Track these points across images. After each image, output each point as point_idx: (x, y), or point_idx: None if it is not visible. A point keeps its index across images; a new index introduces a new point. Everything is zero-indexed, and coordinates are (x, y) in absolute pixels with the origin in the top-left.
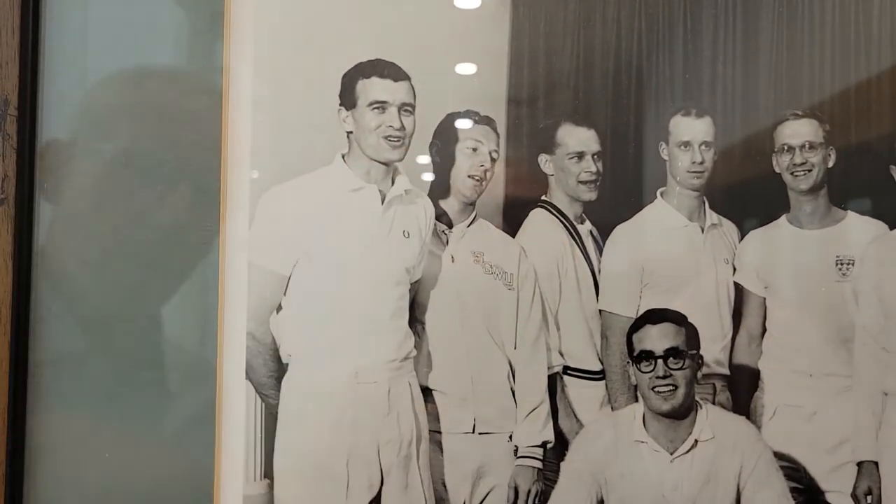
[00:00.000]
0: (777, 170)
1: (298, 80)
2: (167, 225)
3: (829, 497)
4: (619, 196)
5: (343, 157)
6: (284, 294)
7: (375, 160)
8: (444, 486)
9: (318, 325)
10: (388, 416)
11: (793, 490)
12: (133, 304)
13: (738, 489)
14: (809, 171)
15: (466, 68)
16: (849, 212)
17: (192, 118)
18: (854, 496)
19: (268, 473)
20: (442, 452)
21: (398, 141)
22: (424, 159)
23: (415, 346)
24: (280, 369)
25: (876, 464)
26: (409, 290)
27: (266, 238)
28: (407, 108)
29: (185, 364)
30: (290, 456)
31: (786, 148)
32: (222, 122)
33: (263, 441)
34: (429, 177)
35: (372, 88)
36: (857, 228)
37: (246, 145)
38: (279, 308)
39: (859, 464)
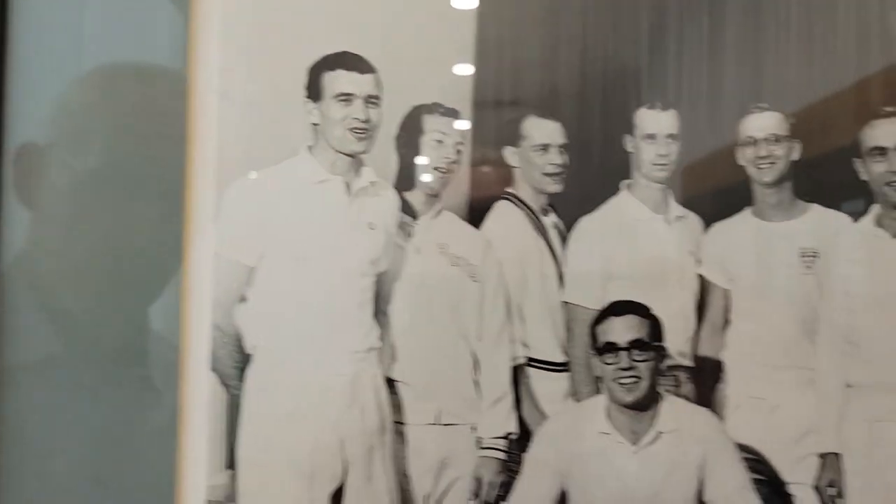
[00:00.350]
0: (741, 162)
1: (265, 73)
2: (140, 222)
3: (791, 489)
4: (584, 188)
5: (309, 149)
6: (250, 285)
7: (341, 152)
8: (408, 478)
9: (282, 317)
10: (351, 408)
11: (755, 482)
12: (104, 299)
13: (701, 480)
14: (773, 163)
15: (432, 60)
16: (813, 204)
17: (159, 112)
18: (816, 488)
19: (231, 464)
20: (405, 444)
21: (364, 133)
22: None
23: (379, 338)
24: (244, 360)
25: (838, 456)
26: (374, 282)
27: (232, 229)
28: (373, 100)
29: (152, 355)
30: (253, 447)
31: (751, 140)
32: (188, 114)
33: (227, 432)
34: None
35: (338, 81)
36: (822, 221)
37: (212, 137)
38: (244, 299)
39: (822, 456)
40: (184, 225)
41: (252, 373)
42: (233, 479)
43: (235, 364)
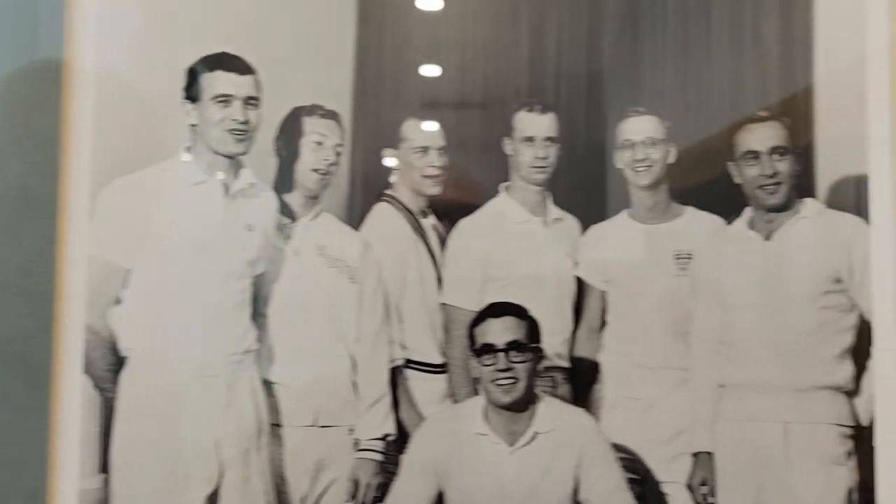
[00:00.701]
0: (619, 165)
1: (143, 73)
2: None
3: (665, 487)
4: (462, 190)
5: (187, 150)
6: (125, 287)
7: (219, 153)
8: (284, 480)
9: (158, 319)
10: (228, 410)
11: (630, 481)
12: None
13: (577, 480)
14: (650, 167)
15: (312, 62)
16: (688, 207)
17: (34, 111)
18: (689, 487)
19: (105, 468)
20: (282, 446)
21: (242, 134)
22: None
23: (257, 340)
24: (119, 363)
25: (711, 455)
26: (252, 284)
27: (107, 230)
28: (252, 101)
29: (20, 357)
30: (127, 450)
31: (627, 144)
32: (62, 114)
33: (100, 435)
34: None
35: (216, 82)
36: (696, 223)
37: (87, 137)
38: (119, 301)
39: (695, 455)
40: (57, 225)
41: (126, 375)
42: (106, 483)
43: (109, 367)
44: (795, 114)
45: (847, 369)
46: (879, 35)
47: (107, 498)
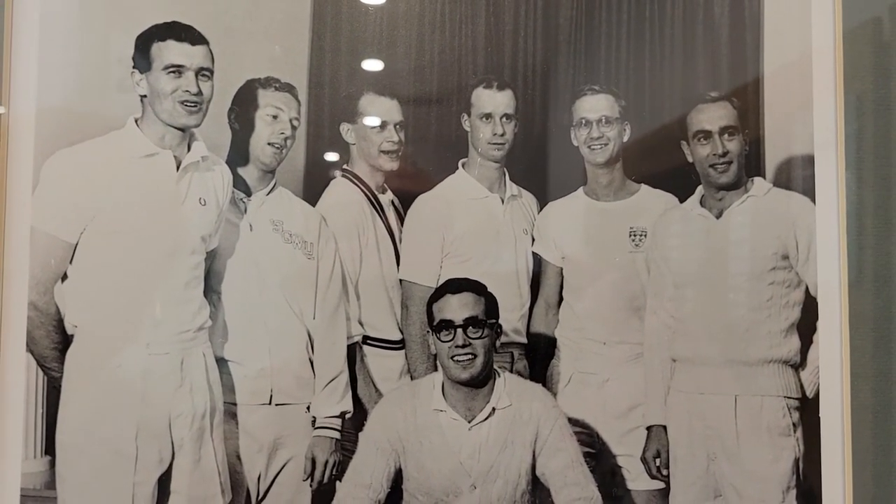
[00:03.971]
0: (575, 143)
1: (90, 40)
2: None
3: (620, 461)
4: (420, 166)
5: (136, 121)
6: (70, 262)
7: (171, 125)
8: (239, 459)
9: (106, 295)
10: (180, 389)
11: (586, 455)
12: None
13: (534, 455)
14: (605, 144)
15: (268, 34)
16: (642, 185)
17: None
18: (644, 459)
19: (49, 450)
20: (237, 424)
21: (195, 106)
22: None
23: (210, 317)
24: (64, 341)
25: (664, 428)
26: (205, 259)
27: (51, 203)
28: (205, 72)
29: None
30: (73, 431)
31: (583, 122)
32: (2, 80)
33: (45, 416)
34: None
35: (168, 52)
36: (650, 201)
37: (31, 105)
38: (64, 277)
39: (649, 428)
40: None
41: (72, 353)
42: (51, 465)
43: (54, 345)
44: (745, 95)
45: (793, 343)
46: (825, 15)
47: (52, 481)
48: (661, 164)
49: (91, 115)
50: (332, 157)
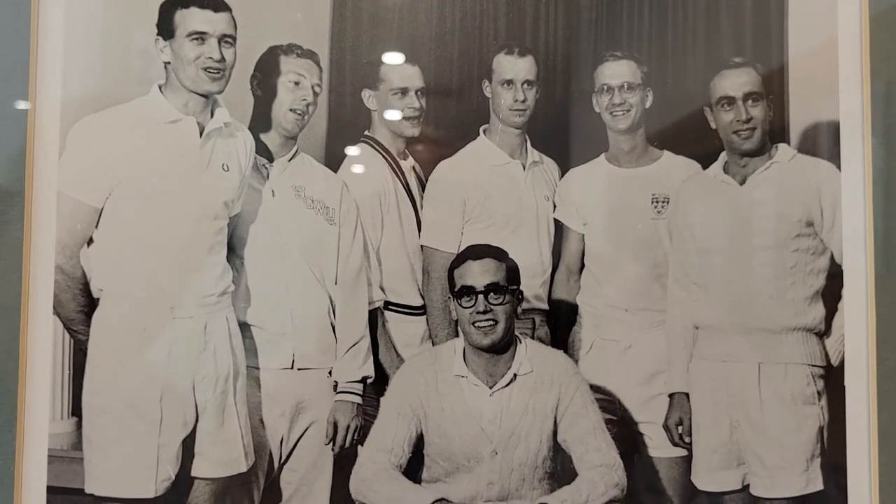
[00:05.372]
0: (597, 109)
1: (115, 7)
2: None
3: (642, 428)
4: (442, 132)
5: (160, 88)
6: (96, 227)
7: (194, 92)
8: (262, 423)
9: (132, 259)
10: (204, 352)
11: (607, 422)
12: None
13: (556, 421)
14: (628, 111)
15: (289, 1)
16: (665, 151)
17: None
18: (666, 427)
19: (76, 411)
20: (260, 389)
21: (218, 73)
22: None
23: (233, 281)
24: (91, 304)
25: (687, 395)
26: (228, 225)
27: (77, 169)
28: (227, 39)
29: None
30: (100, 393)
31: (605, 88)
32: (31, 45)
33: (72, 377)
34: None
35: (191, 19)
36: (673, 167)
37: (57, 71)
38: (90, 241)
39: (671, 395)
40: (25, 163)
41: (98, 317)
42: (78, 426)
43: (81, 308)
44: (769, 59)
45: (818, 311)
46: None
47: (79, 443)
48: (684, 130)
49: (116, 82)
50: (353, 123)
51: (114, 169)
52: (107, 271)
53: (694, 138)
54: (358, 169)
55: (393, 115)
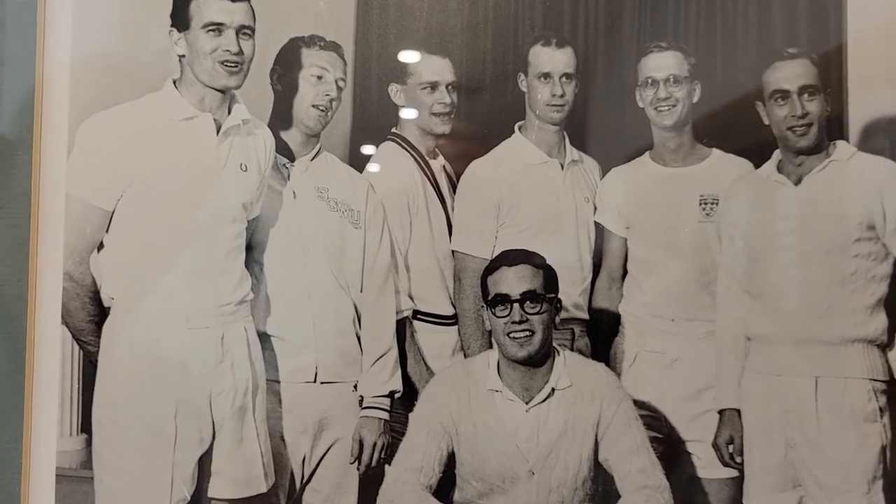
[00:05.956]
0: (641, 104)
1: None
2: None
3: (689, 447)
4: (474, 129)
5: (174, 82)
6: (107, 231)
7: (211, 87)
8: (283, 440)
9: (144, 266)
10: (221, 365)
11: (652, 440)
12: None
13: (597, 439)
14: (674, 106)
15: None
16: (714, 150)
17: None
18: (715, 445)
19: (85, 427)
20: (280, 403)
21: (235, 66)
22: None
23: (252, 289)
24: (101, 313)
25: (738, 412)
26: (247, 229)
27: (87, 169)
28: (246, 31)
29: None
30: (110, 408)
31: (649, 81)
32: (37, 39)
33: (81, 392)
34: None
35: (207, 9)
36: (722, 166)
37: (65, 67)
38: (101, 247)
39: (721, 412)
40: (31, 163)
41: (109, 327)
42: (87, 443)
43: (91, 317)
44: (826, 49)
45: (880, 321)
46: None
47: (88, 461)
48: (735, 126)
49: (127, 76)
50: (380, 119)
51: (125, 169)
52: (118, 278)
53: (745, 135)
54: (385, 169)
55: (422, 111)
